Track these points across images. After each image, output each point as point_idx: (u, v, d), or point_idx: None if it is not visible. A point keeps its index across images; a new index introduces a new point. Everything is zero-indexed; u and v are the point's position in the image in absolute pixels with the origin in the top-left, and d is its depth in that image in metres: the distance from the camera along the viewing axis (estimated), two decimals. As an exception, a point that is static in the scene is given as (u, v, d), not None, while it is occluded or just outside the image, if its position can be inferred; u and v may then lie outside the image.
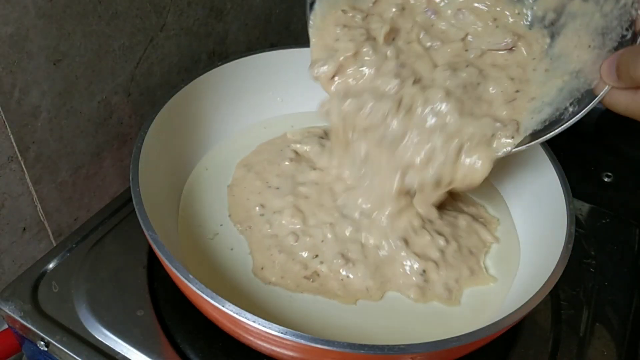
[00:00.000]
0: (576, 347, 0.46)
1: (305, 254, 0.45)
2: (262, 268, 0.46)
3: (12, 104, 0.49)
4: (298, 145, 0.54)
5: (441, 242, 0.46)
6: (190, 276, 0.35)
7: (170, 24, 0.60)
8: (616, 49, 0.38)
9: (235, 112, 0.58)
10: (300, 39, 0.81)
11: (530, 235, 0.49)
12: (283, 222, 0.47)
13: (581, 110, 0.39)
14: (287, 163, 0.52)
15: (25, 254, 0.56)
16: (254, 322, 0.33)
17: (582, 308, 0.49)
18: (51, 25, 0.48)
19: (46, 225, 0.57)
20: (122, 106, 0.60)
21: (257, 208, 0.49)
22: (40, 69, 0.49)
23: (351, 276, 0.44)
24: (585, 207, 0.58)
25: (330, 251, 0.45)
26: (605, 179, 0.64)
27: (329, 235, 0.46)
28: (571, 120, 0.39)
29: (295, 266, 0.45)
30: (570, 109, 0.40)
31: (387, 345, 0.33)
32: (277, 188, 0.50)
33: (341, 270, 0.44)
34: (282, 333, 0.33)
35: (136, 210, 0.40)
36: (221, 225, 0.49)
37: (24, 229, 0.57)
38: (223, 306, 0.34)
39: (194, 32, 0.64)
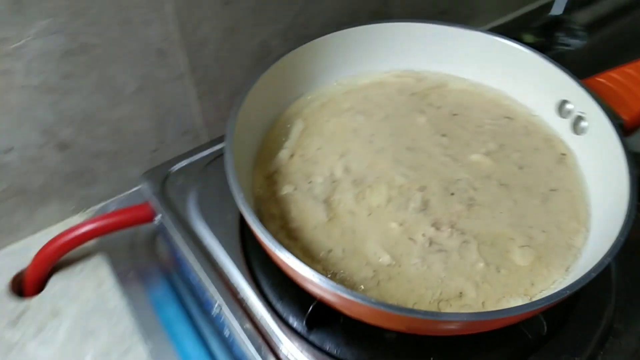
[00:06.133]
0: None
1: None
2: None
3: (187, 31, 0.62)
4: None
5: None
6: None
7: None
8: None
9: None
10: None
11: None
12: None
13: None
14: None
15: (181, 151, 0.71)
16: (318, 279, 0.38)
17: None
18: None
19: (202, 133, 0.72)
20: (279, 49, 0.70)
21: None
22: (212, 8, 0.61)
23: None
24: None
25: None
26: None
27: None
28: None
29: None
30: None
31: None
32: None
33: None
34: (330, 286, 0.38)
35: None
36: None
37: (185, 132, 0.73)
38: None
39: (358, -11, 0.70)
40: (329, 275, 0.44)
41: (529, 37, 0.87)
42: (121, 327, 0.62)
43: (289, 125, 0.55)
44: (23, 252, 0.67)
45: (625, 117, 0.51)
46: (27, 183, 0.65)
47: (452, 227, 0.47)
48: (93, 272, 0.67)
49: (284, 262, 0.39)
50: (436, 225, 0.47)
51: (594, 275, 0.38)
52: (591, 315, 0.49)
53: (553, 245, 0.46)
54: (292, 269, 0.39)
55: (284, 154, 0.52)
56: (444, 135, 0.54)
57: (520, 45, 0.55)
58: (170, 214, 0.56)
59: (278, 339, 0.47)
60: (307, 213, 0.48)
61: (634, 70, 0.54)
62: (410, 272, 0.44)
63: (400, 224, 0.47)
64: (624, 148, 0.46)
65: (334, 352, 0.46)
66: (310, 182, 0.50)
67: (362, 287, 0.43)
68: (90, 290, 0.66)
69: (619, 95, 0.52)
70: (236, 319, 0.49)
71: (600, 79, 0.54)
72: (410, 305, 0.43)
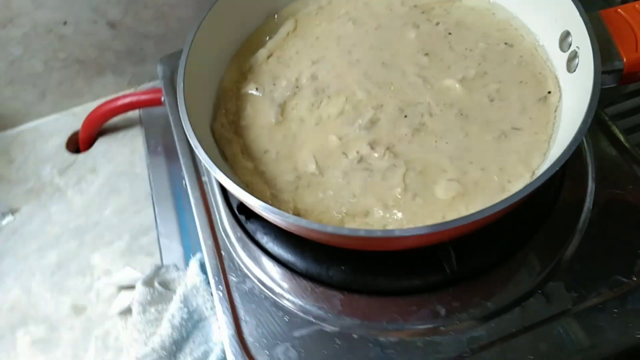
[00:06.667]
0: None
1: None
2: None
3: None
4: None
5: None
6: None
7: None
8: None
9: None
10: None
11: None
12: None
13: None
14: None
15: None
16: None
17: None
18: None
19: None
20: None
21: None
22: None
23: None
24: None
25: None
26: None
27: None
28: None
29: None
30: None
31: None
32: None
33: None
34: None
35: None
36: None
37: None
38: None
39: None
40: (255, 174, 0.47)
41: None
42: (140, 191, 0.72)
43: (279, 25, 0.56)
44: (83, 115, 0.79)
45: (626, 58, 0.44)
46: (83, 54, 0.75)
47: (387, 148, 0.46)
48: (130, 141, 0.77)
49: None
50: (372, 145, 0.46)
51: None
52: (531, 268, 0.46)
53: (485, 185, 0.43)
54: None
55: (262, 53, 0.54)
56: (426, 54, 0.51)
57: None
58: (170, 98, 0.62)
59: (220, 218, 0.52)
60: (260, 113, 0.51)
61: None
62: (329, 183, 0.46)
63: (340, 138, 0.48)
64: (593, 94, 0.40)
65: (262, 242, 0.50)
66: (274, 84, 0.52)
67: (278, 188, 0.46)
68: (124, 155, 0.76)
69: (632, 31, 0.45)
70: (193, 198, 0.55)
71: (621, 10, 0.46)
72: (315, 214, 0.44)
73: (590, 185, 0.50)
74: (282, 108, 0.51)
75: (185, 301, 0.58)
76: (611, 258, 0.46)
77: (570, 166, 0.51)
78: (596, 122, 0.54)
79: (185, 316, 0.57)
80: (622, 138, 0.53)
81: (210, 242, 0.51)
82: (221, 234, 0.52)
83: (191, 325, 0.58)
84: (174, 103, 0.62)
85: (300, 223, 0.39)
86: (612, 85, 0.45)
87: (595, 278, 0.45)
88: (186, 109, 0.45)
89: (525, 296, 0.45)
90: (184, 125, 0.44)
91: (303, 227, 0.40)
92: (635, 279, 0.45)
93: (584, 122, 0.39)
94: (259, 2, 0.55)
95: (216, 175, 0.40)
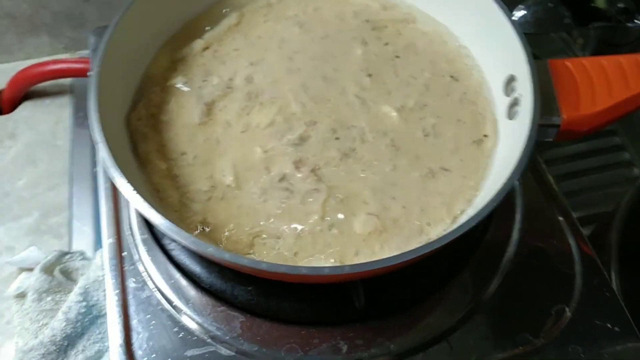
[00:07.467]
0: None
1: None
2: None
3: None
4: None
5: None
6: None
7: None
8: None
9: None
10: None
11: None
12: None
13: None
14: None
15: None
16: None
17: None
18: None
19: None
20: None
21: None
22: None
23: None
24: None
25: None
26: None
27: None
28: None
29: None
30: None
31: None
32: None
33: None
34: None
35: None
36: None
37: None
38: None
39: None
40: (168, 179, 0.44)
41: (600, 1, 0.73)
42: (58, 165, 0.67)
43: (222, 16, 0.52)
44: (11, 73, 0.72)
45: (566, 115, 0.42)
46: (16, 9, 0.69)
47: (312, 170, 0.44)
48: (57, 109, 0.72)
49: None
50: (297, 164, 0.44)
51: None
52: (441, 314, 0.45)
53: (404, 224, 0.42)
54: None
55: (197, 44, 0.50)
56: (369, 75, 0.49)
57: (495, 1, 0.46)
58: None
59: (129, 215, 0.49)
60: (184, 110, 0.47)
61: (609, 63, 0.43)
62: (245, 199, 0.43)
63: (265, 151, 0.45)
64: (525, 148, 0.39)
65: (168, 248, 0.47)
66: (204, 81, 0.48)
67: (189, 197, 0.43)
68: (47, 124, 0.71)
69: (577, 88, 0.43)
70: (104, 188, 0.51)
71: (569, 63, 0.45)
72: (225, 231, 0.41)
73: (515, 235, 0.49)
74: (209, 108, 0.47)
75: (86, 294, 0.54)
76: (523, 314, 0.45)
77: (498, 212, 0.49)
78: (531, 167, 0.53)
79: (82, 310, 0.53)
80: (553, 186, 0.52)
81: (113, 239, 0.48)
82: (126, 233, 0.48)
83: (88, 321, 0.54)
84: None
85: (200, 248, 0.36)
86: (548, 140, 0.44)
87: (504, 333, 0.44)
88: (97, 96, 0.41)
89: (431, 342, 0.44)
90: (90, 114, 0.40)
91: (201, 251, 0.37)
92: (542, 339, 0.44)
93: (511, 177, 0.38)
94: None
95: (114, 179, 0.37)
